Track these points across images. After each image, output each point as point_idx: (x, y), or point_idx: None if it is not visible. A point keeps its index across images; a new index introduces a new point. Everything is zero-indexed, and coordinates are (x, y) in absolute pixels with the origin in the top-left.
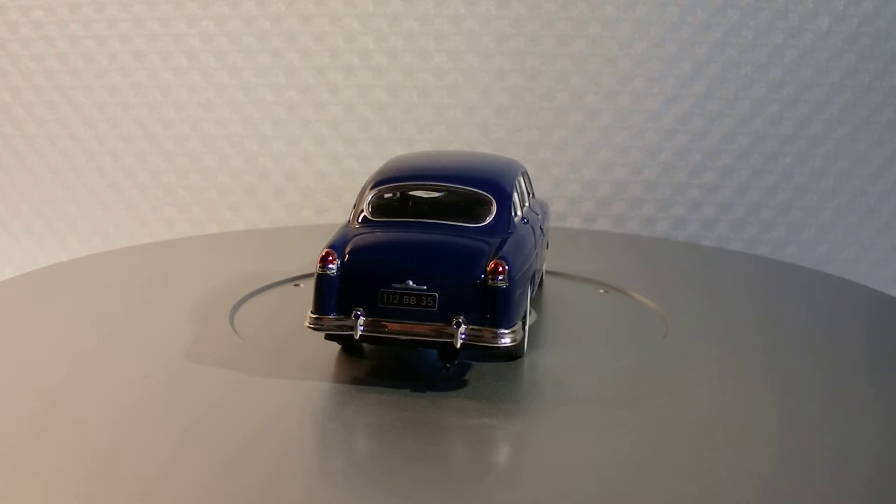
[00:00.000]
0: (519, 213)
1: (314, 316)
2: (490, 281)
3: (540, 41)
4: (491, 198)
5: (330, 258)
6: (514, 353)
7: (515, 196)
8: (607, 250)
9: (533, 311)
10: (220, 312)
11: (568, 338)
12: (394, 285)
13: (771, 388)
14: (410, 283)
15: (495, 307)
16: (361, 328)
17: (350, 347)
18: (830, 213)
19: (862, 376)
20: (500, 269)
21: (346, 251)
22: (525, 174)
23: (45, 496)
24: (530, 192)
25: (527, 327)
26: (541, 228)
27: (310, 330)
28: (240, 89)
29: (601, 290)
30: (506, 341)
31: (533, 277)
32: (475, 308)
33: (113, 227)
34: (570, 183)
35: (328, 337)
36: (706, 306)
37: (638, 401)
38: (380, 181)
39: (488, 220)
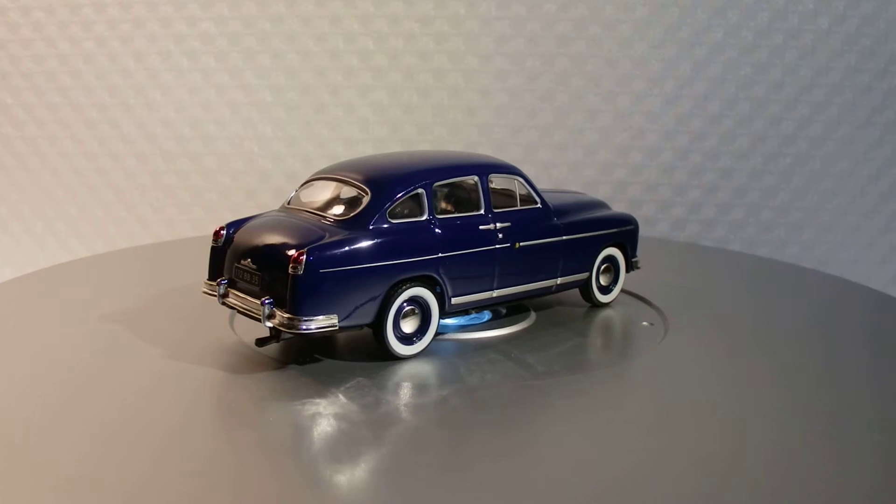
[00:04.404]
0: (425, 215)
1: (204, 281)
2: (290, 268)
3: (540, 42)
4: (367, 193)
5: (220, 233)
6: (396, 354)
7: (420, 197)
8: None
9: (532, 313)
10: (221, 313)
11: (567, 336)
12: (242, 262)
13: (770, 388)
14: (250, 261)
15: (291, 293)
16: (222, 296)
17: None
18: (830, 214)
19: (862, 377)
20: (300, 258)
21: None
22: (500, 175)
23: (44, 494)
24: (537, 199)
25: (427, 333)
26: (497, 236)
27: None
28: (240, 90)
29: (644, 323)
30: (306, 328)
31: (452, 281)
32: (283, 292)
33: (113, 228)
34: (570, 184)
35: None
36: (706, 307)
37: (636, 401)
38: (311, 175)
39: (352, 214)
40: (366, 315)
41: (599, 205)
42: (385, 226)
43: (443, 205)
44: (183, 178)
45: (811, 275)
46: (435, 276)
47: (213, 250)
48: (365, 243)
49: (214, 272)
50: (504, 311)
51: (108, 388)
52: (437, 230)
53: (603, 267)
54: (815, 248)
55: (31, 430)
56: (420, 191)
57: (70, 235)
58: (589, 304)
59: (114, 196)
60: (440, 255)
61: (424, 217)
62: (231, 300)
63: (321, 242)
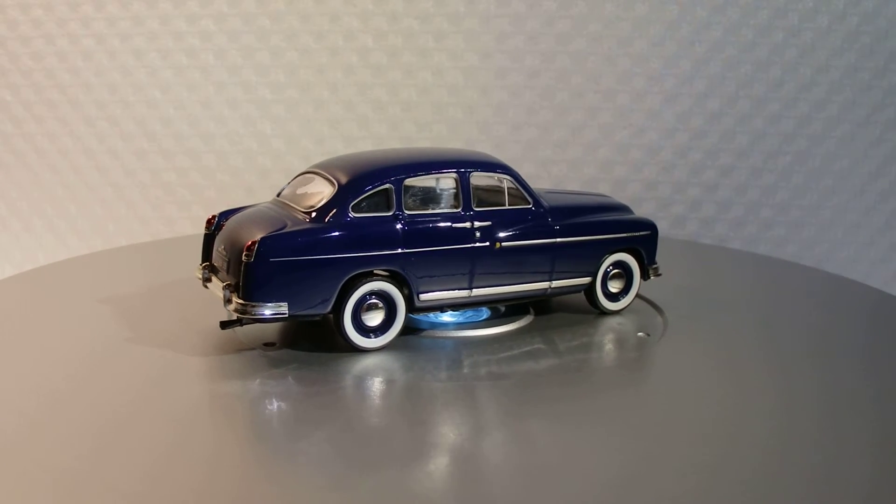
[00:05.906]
0: (392, 210)
1: (197, 266)
2: (244, 255)
3: (540, 40)
4: (335, 187)
5: (212, 220)
6: (355, 345)
7: (389, 192)
8: None
9: (531, 315)
10: (220, 311)
11: (533, 342)
12: (219, 249)
13: (770, 386)
14: (223, 248)
15: (243, 280)
16: (205, 280)
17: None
18: (830, 212)
19: (861, 375)
20: (252, 246)
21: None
22: (488, 173)
23: (42, 493)
24: (528, 198)
25: (392, 328)
26: (475, 235)
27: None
28: (239, 88)
29: (640, 334)
30: (261, 313)
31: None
32: (239, 278)
33: (113, 226)
34: (569, 181)
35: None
36: (705, 305)
37: (636, 400)
38: (306, 168)
39: (316, 207)
40: (320, 305)
41: (618, 208)
42: (346, 219)
43: (418, 201)
44: (182, 176)
45: (811, 273)
46: (399, 271)
47: (205, 237)
48: (320, 235)
49: (205, 257)
50: (503, 310)
51: (106, 384)
52: (402, 226)
53: (612, 273)
54: (814, 247)
55: (32, 426)
56: (388, 186)
57: (69, 233)
58: (597, 311)
59: (113, 193)
60: (404, 250)
61: (391, 212)
62: (210, 285)
63: (275, 233)
